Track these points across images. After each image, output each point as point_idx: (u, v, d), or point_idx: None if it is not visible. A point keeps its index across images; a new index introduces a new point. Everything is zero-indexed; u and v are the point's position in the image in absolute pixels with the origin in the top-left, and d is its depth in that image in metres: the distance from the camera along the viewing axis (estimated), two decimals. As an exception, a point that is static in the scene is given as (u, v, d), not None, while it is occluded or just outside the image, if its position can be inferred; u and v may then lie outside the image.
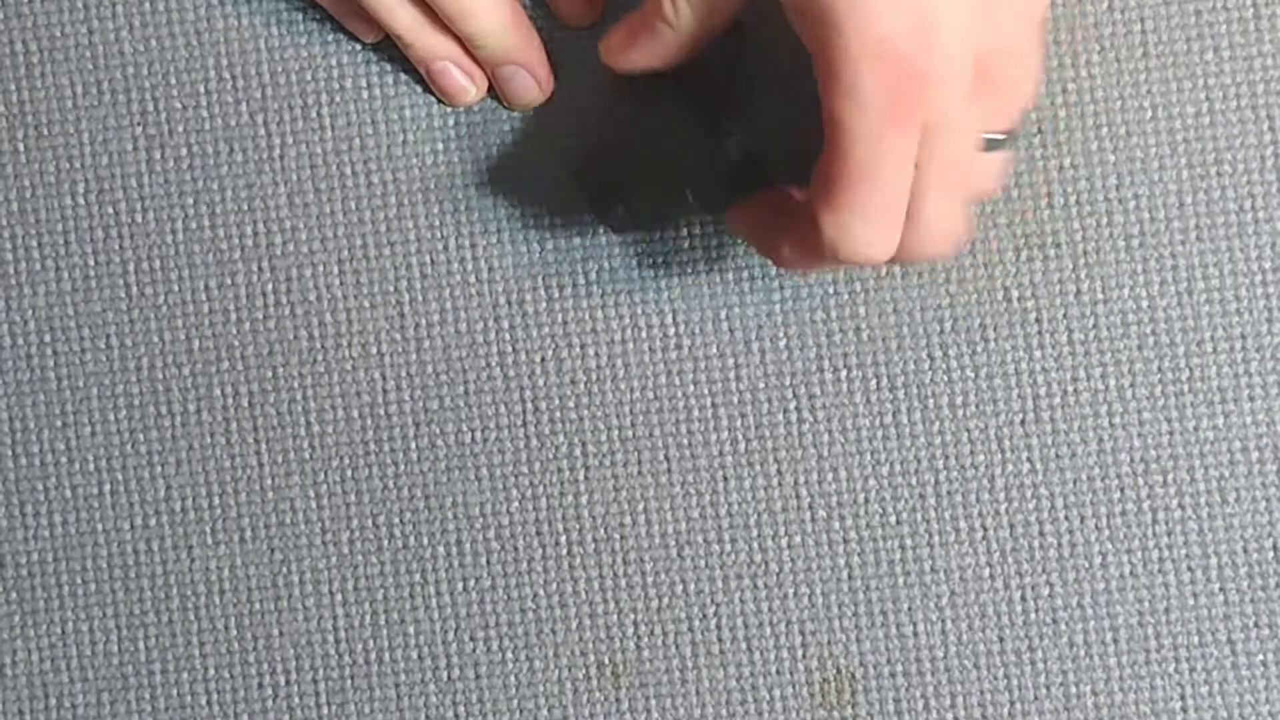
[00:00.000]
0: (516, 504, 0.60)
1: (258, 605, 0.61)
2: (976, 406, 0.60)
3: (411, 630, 0.60)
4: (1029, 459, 0.60)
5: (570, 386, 0.60)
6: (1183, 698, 0.60)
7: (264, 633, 0.61)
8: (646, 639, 0.60)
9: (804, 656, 0.60)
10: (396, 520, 0.60)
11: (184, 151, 0.61)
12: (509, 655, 0.60)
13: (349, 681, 0.61)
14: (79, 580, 0.61)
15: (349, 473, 0.60)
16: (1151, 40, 0.60)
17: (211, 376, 0.61)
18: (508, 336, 0.60)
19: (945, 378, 0.60)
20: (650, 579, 0.60)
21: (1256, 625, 0.60)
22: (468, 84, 0.59)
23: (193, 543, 0.61)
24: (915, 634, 0.60)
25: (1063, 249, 0.60)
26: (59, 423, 0.61)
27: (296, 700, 0.61)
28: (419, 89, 0.60)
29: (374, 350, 0.60)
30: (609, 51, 0.55)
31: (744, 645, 0.60)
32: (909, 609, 0.60)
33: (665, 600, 0.60)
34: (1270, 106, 0.60)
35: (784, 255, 0.53)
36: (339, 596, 0.60)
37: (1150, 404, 0.60)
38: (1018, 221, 0.60)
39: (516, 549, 0.60)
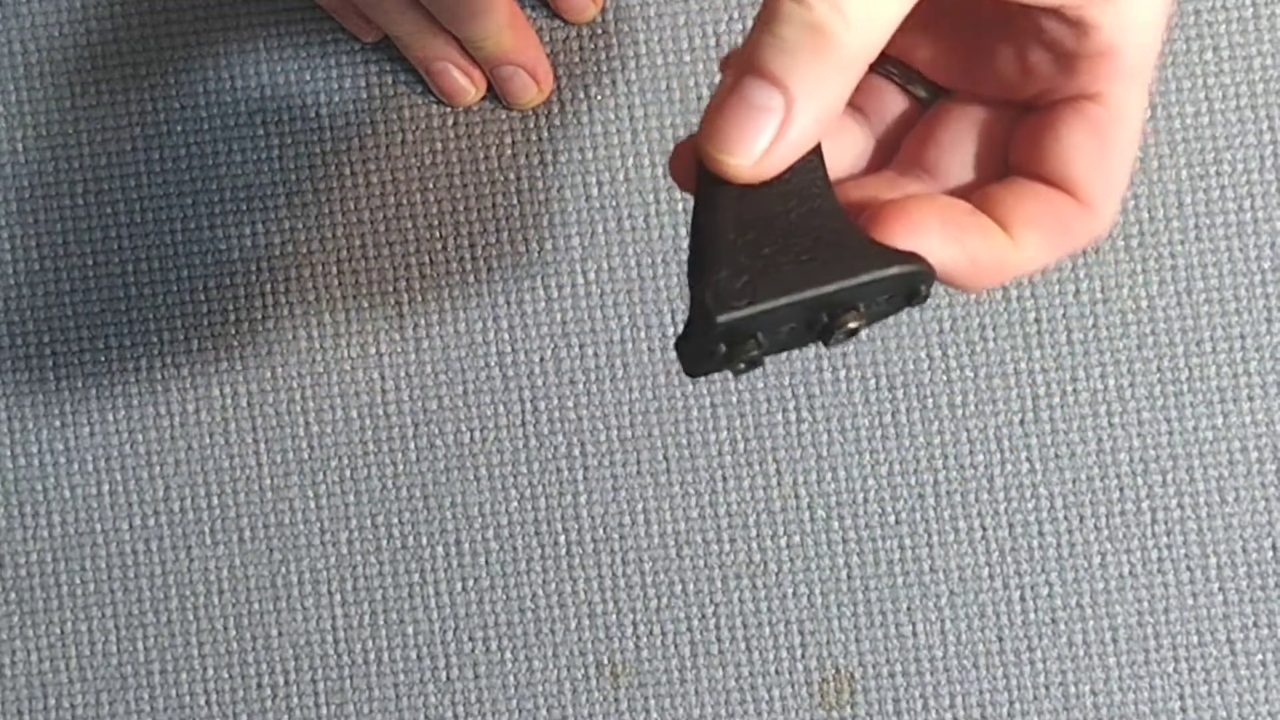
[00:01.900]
0: (515, 504, 0.60)
1: (257, 605, 0.61)
2: (975, 406, 0.60)
3: (410, 630, 0.60)
4: (1028, 459, 0.60)
5: (569, 386, 0.60)
6: (1182, 697, 0.60)
7: (263, 633, 0.61)
8: (645, 639, 0.60)
9: (803, 656, 0.60)
10: (395, 520, 0.60)
11: (183, 151, 0.61)
12: (508, 655, 0.60)
13: (348, 681, 0.61)
14: (78, 580, 0.61)
15: (348, 473, 0.60)
16: (1151, 40, 0.60)
17: (210, 376, 0.61)
18: (507, 336, 0.60)
19: (944, 377, 0.60)
20: (649, 579, 0.60)
21: (1256, 625, 0.60)
22: (467, 84, 0.59)
23: (191, 543, 0.61)
24: (914, 634, 0.60)
25: (1062, 249, 0.60)
26: (58, 423, 0.61)
27: (296, 700, 0.61)
28: (419, 89, 0.60)
29: (373, 350, 0.60)
30: (724, 146, 0.35)
31: (743, 645, 0.60)
32: (908, 609, 0.60)
33: (664, 600, 0.60)
34: (1270, 106, 0.60)
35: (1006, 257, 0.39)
36: (338, 597, 0.60)
37: (1150, 404, 0.60)
38: (1017, 221, 0.60)
39: (515, 549, 0.60)
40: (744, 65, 0.35)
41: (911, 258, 0.37)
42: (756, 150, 0.35)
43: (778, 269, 0.36)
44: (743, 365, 0.37)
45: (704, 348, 0.36)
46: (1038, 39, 0.39)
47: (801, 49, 0.34)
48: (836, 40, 0.34)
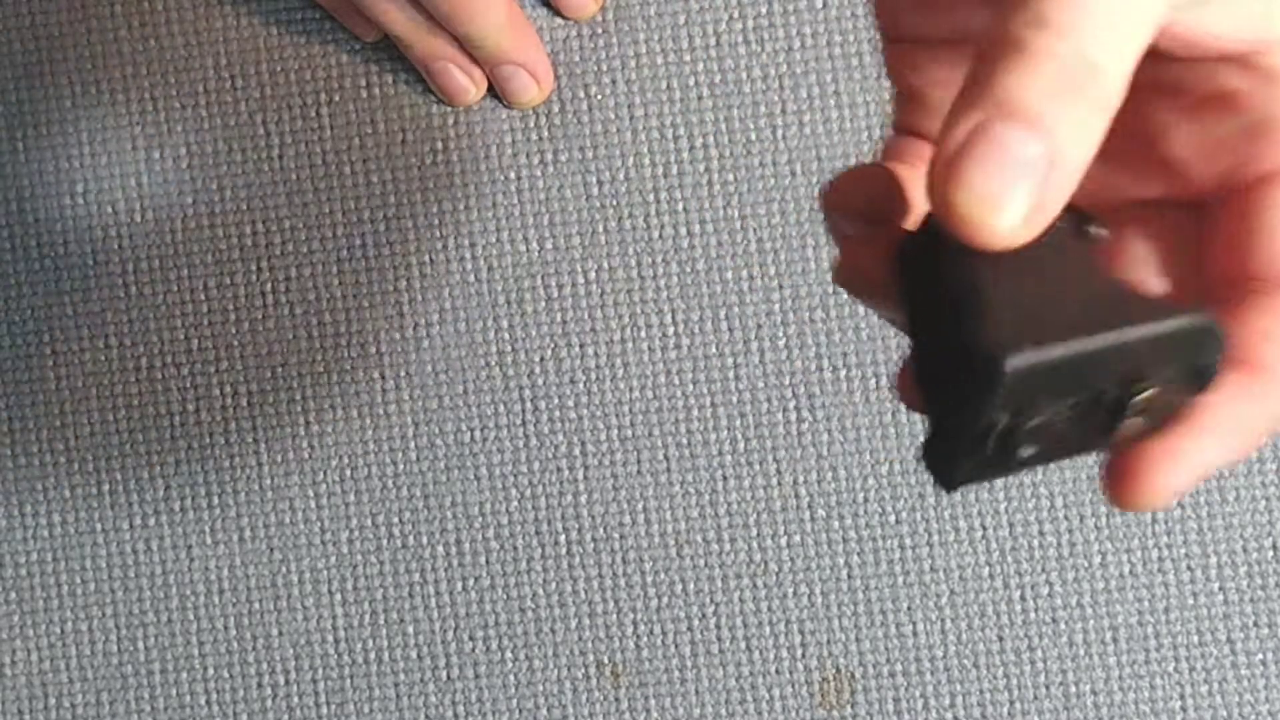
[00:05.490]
0: (515, 503, 0.60)
1: (257, 605, 0.61)
2: (976, 406, 0.60)
3: (411, 630, 0.60)
4: (1028, 458, 0.60)
5: (569, 386, 0.60)
6: (1182, 697, 0.60)
7: (263, 633, 0.61)
8: (646, 638, 0.60)
9: (803, 656, 0.60)
10: (395, 520, 0.60)
11: (183, 151, 0.61)
12: (508, 654, 0.60)
13: (348, 681, 0.61)
14: (78, 580, 0.61)
15: (348, 472, 0.60)
16: (1151, 40, 0.60)
17: (210, 376, 0.61)
18: (507, 336, 0.60)
19: (944, 377, 0.60)
20: (650, 579, 0.60)
21: (1256, 625, 0.60)
22: (467, 84, 0.59)
23: (192, 542, 0.61)
24: (915, 634, 0.60)
25: (1062, 248, 0.60)
26: (58, 423, 0.61)
27: (296, 700, 0.61)
28: (419, 89, 0.60)
29: (373, 350, 0.60)
30: (986, 204, 0.29)
31: (743, 645, 0.60)
32: (908, 609, 0.60)
33: (665, 600, 0.60)
34: (1270, 106, 0.60)
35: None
36: (338, 596, 0.60)
37: (1150, 403, 0.60)
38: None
39: (515, 548, 0.60)
40: (993, 107, 0.28)
41: (1201, 309, 0.31)
42: (1020, 209, 0.28)
43: (1051, 320, 0.30)
44: (1020, 456, 0.31)
45: (978, 420, 0.30)
46: (1223, 105, 0.33)
47: (1066, 89, 0.28)
48: (1104, 77, 0.29)
